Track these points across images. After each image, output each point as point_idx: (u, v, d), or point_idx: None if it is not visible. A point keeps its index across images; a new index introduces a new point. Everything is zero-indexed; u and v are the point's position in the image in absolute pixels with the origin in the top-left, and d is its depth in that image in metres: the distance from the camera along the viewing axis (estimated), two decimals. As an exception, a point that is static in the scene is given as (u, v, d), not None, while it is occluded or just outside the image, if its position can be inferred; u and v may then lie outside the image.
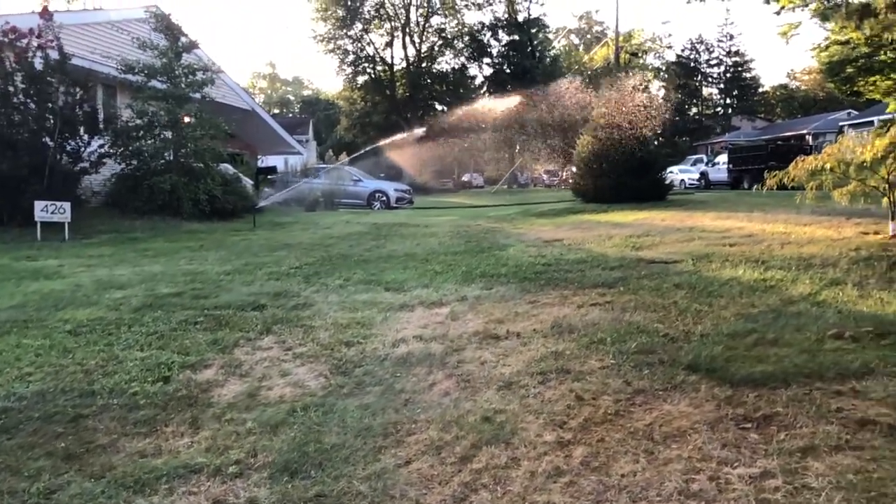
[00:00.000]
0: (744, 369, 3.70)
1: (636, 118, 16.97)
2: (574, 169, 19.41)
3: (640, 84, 18.70)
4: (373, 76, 55.81)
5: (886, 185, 7.27)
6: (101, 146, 12.44)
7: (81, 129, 12.07)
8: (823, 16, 13.13)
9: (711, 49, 68.83)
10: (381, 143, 43.75)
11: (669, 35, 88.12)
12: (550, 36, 63.42)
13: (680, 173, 35.98)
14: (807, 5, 19.06)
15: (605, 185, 17.01)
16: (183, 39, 14.38)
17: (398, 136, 46.60)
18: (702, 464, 2.78)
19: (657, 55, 74.30)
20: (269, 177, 24.32)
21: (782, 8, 20.60)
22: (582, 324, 4.81)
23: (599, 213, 14.26)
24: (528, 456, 2.96)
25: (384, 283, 6.76)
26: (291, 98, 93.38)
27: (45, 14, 11.26)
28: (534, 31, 53.10)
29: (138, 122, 14.17)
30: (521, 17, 53.28)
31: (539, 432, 3.17)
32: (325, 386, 3.93)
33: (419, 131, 45.32)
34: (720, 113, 70.06)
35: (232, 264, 8.19)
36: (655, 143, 16.95)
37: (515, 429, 3.22)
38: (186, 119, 15.11)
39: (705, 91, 70.91)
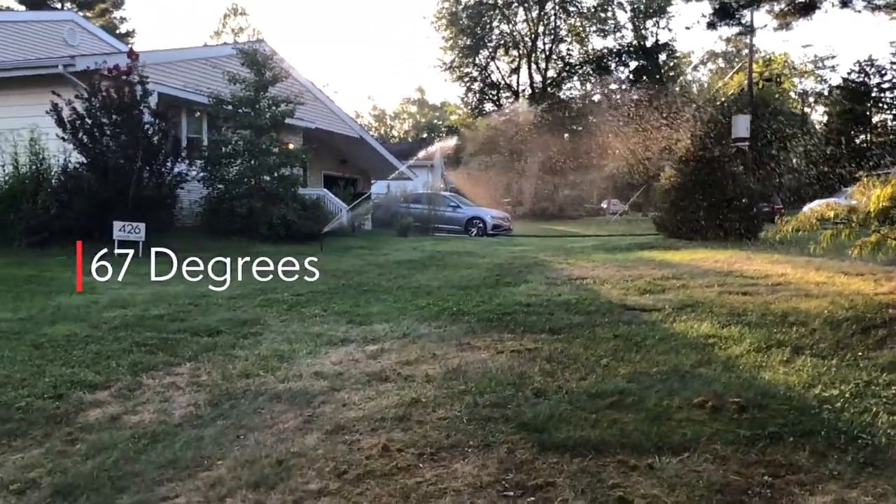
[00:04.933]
0: (568, 433, 3.57)
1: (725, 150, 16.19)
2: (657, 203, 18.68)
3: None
4: (498, 104, 56.46)
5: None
6: (180, 172, 13.61)
7: (165, 156, 13.27)
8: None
9: (884, 72, 62.95)
10: (499, 169, 44.11)
11: (833, 56, 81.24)
12: (695, 59, 61.39)
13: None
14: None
15: (687, 220, 16.31)
16: (268, 74, 15.46)
17: (519, 163, 46.85)
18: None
19: (819, 79, 69.02)
20: (372, 202, 25.52)
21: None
22: (475, 372, 4.76)
23: (668, 250, 13.67)
24: (275, 501, 3.05)
25: (356, 315, 6.95)
26: (438, 122, 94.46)
27: (133, 55, 12.65)
28: (662, 56, 51.71)
29: (225, 150, 15.39)
30: (648, 43, 52.09)
31: (310, 480, 3.24)
32: (185, 416, 4.18)
33: (540, 157, 45.34)
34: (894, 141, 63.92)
35: (245, 288, 8.71)
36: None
37: (292, 475, 3.30)
38: (290, 145, 16.34)
39: (876, 117, 64.91)
